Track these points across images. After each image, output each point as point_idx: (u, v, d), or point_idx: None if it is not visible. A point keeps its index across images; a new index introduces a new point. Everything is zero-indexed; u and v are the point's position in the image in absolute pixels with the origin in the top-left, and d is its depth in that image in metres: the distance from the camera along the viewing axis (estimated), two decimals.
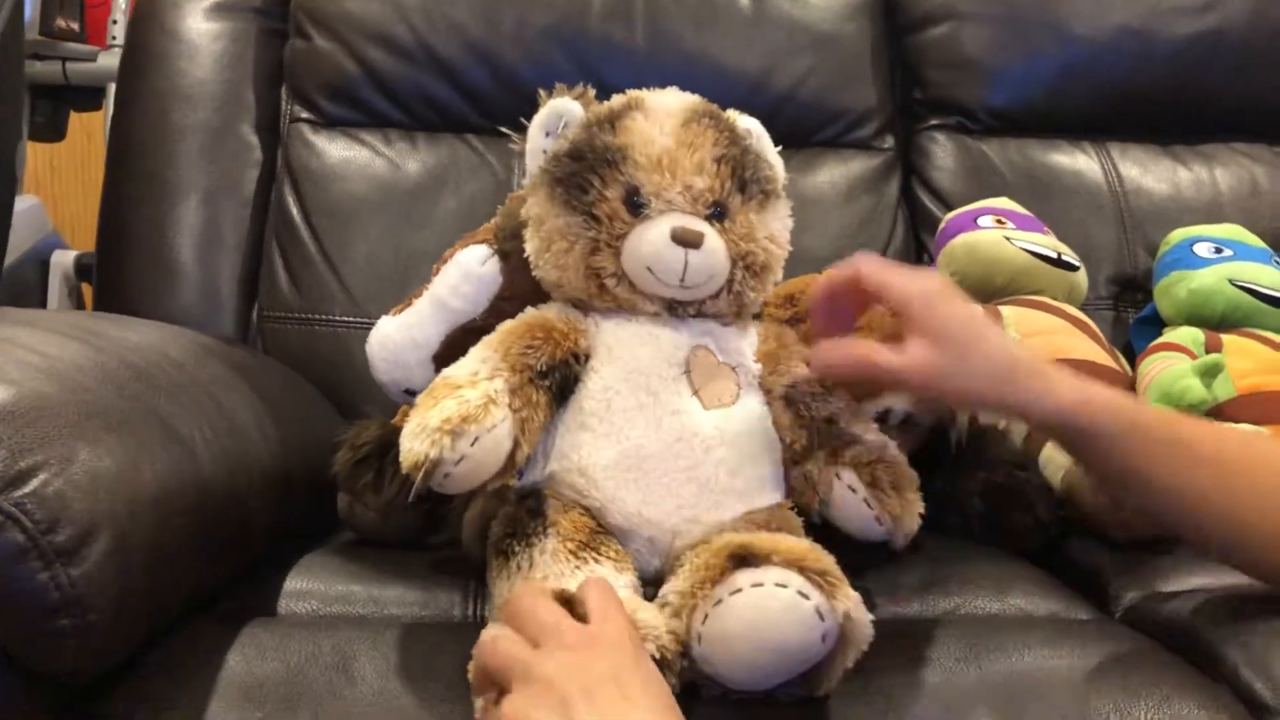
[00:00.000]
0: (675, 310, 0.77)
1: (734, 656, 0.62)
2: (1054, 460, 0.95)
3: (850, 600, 0.63)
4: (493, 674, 0.60)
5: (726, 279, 0.77)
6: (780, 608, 0.61)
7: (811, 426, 0.78)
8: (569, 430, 0.75)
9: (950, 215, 1.28)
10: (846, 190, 1.38)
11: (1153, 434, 0.74)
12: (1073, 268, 1.20)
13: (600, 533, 0.73)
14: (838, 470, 0.77)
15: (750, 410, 0.78)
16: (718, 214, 0.76)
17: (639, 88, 0.82)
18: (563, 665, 0.57)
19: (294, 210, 1.27)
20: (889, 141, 1.43)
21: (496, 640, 0.61)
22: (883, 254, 1.36)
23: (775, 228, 0.80)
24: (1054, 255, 1.19)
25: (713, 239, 0.75)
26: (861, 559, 0.87)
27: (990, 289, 1.18)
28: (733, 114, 0.83)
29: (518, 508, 0.74)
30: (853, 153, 1.41)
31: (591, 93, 0.82)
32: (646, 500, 0.73)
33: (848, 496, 0.77)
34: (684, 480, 0.73)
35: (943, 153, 1.42)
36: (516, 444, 0.71)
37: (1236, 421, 0.99)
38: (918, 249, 1.39)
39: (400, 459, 0.68)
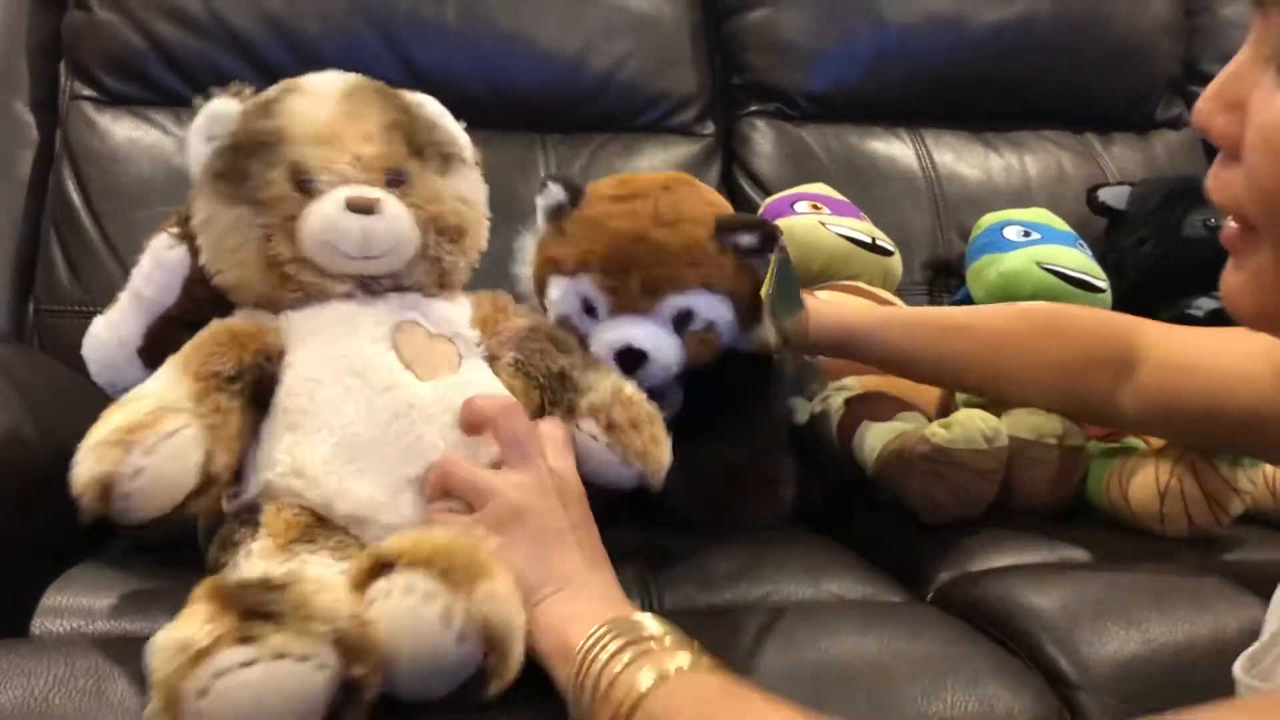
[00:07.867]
0: (369, 287, 0.74)
1: (391, 672, 0.57)
2: (865, 445, 0.95)
3: (492, 596, 0.58)
4: (461, 489, 0.66)
5: (420, 246, 0.74)
6: (406, 613, 0.57)
7: (544, 385, 0.76)
8: (276, 435, 0.69)
9: (767, 201, 1.28)
10: None
11: (901, 320, 0.91)
12: (887, 253, 1.21)
13: (318, 526, 0.67)
14: (577, 423, 0.74)
15: (475, 375, 0.74)
16: (396, 181, 0.74)
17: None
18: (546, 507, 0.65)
19: (74, 194, 1.19)
20: (710, 127, 1.43)
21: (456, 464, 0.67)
22: None
23: (464, 189, 0.78)
24: (869, 240, 1.19)
25: (392, 205, 0.72)
26: (676, 547, 0.85)
27: (807, 274, 1.18)
28: (402, 91, 0.81)
29: (230, 523, 0.68)
30: (674, 138, 1.40)
31: (249, 90, 0.77)
32: (376, 486, 0.68)
33: (591, 446, 0.74)
34: (411, 457, 0.69)
35: (763, 139, 1.42)
36: (209, 455, 0.65)
37: None
38: None
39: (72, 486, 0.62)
